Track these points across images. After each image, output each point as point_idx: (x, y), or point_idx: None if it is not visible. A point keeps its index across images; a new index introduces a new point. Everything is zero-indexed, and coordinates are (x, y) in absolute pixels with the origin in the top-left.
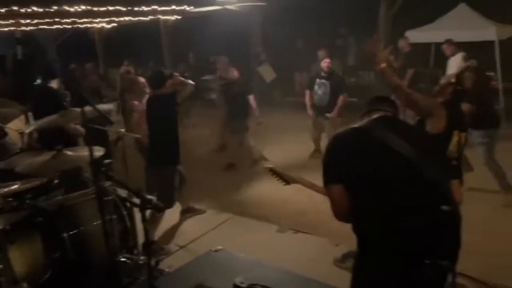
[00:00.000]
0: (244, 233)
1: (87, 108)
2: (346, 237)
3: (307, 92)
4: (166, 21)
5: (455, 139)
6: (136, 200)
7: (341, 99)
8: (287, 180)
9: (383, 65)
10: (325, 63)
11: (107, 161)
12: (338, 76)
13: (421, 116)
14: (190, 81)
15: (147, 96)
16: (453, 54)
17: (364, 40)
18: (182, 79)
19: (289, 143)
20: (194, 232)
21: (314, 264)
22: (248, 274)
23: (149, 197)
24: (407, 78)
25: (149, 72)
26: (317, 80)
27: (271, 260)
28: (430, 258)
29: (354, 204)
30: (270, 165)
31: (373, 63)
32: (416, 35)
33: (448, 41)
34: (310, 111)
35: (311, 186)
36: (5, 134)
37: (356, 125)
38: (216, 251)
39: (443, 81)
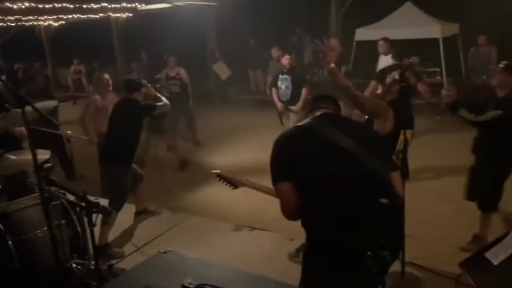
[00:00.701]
0: (200, 233)
1: (28, 109)
2: (301, 232)
3: (273, 90)
4: (117, 18)
5: (401, 138)
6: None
7: (303, 92)
8: (235, 184)
9: (332, 65)
10: (285, 59)
11: (47, 165)
12: (299, 71)
13: (369, 117)
14: (165, 100)
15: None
16: (387, 53)
17: (317, 38)
18: (157, 94)
19: (246, 141)
20: (149, 234)
21: (271, 259)
22: (198, 275)
23: (95, 200)
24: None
25: (96, 72)
26: (280, 76)
27: (228, 259)
28: (372, 250)
29: (302, 201)
30: (217, 171)
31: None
32: (365, 33)
33: (385, 39)
34: (278, 105)
35: (259, 188)
36: None
37: (299, 124)
38: (165, 252)
39: (388, 80)
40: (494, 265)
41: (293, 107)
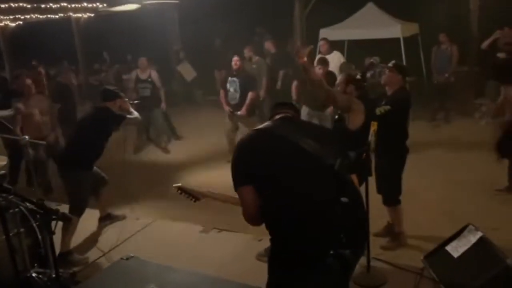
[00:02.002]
0: (167, 237)
1: None
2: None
3: (222, 91)
4: (78, 19)
5: (372, 129)
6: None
7: (249, 96)
8: (196, 196)
9: (305, 59)
10: (233, 61)
11: (1, 172)
12: (246, 74)
13: (341, 111)
14: (137, 114)
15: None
16: (328, 52)
17: (282, 38)
18: (130, 108)
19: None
20: (114, 239)
21: (239, 260)
22: (160, 281)
23: (54, 207)
24: (279, 78)
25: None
26: (229, 78)
27: (196, 262)
28: (334, 249)
29: (264, 203)
30: (178, 184)
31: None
32: (329, 33)
33: (324, 39)
34: (226, 108)
35: (221, 198)
36: None
37: (259, 127)
38: (127, 259)
39: (340, 79)
40: (454, 258)
41: (239, 112)
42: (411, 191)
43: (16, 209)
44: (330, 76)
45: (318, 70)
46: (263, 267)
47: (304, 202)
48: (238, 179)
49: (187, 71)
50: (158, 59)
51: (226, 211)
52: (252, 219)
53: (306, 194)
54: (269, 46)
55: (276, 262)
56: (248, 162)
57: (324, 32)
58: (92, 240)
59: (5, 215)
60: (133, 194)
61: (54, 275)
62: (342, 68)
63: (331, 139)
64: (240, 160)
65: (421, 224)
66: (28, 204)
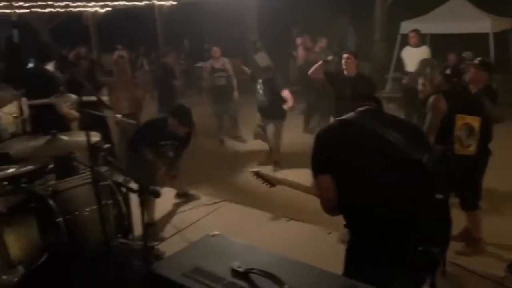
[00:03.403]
0: (238, 220)
1: (84, 94)
2: (339, 225)
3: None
4: (161, 6)
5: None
6: (134, 185)
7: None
8: (272, 182)
9: None
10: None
11: (106, 146)
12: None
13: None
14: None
15: None
16: (417, 45)
17: (362, 30)
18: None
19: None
20: (188, 218)
21: (307, 251)
22: (245, 259)
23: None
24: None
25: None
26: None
27: (264, 247)
28: (423, 245)
29: (345, 194)
30: (254, 169)
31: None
32: (411, 26)
33: (415, 31)
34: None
35: (296, 186)
36: None
37: (342, 117)
38: (213, 236)
39: (421, 80)
40: None
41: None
42: (491, 195)
43: (106, 182)
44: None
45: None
46: (331, 260)
47: (393, 196)
48: (318, 167)
49: (263, 61)
50: (234, 49)
51: (297, 202)
52: (329, 208)
53: (391, 186)
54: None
55: (356, 254)
56: (329, 151)
57: (406, 25)
58: (167, 218)
59: (99, 187)
60: (209, 176)
61: (136, 247)
62: (422, 64)
63: (417, 133)
64: (321, 149)
65: (502, 231)
66: (120, 177)
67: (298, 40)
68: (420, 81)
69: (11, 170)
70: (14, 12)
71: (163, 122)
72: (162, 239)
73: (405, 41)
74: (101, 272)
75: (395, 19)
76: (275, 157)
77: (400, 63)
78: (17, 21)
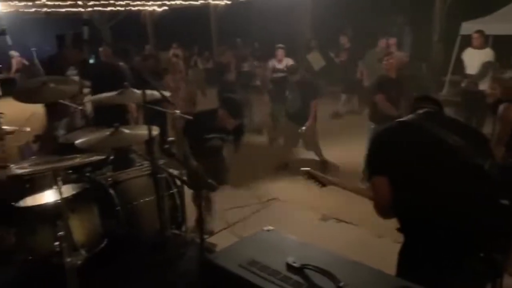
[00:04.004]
0: (286, 219)
1: (148, 90)
2: (390, 229)
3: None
4: (216, 6)
5: None
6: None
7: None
8: (323, 182)
9: None
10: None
11: (170, 139)
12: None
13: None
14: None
15: None
16: (481, 47)
17: (420, 30)
18: None
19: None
20: (238, 214)
21: (356, 254)
22: (300, 255)
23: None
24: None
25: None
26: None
27: None
28: (485, 252)
29: (401, 197)
30: (306, 168)
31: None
32: (473, 27)
33: (480, 32)
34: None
35: (349, 188)
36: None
37: (401, 119)
38: (268, 230)
39: (490, 83)
40: None
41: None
42: None
43: (163, 175)
44: None
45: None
46: (381, 263)
47: (449, 199)
48: (374, 168)
49: (316, 60)
50: (287, 48)
51: (347, 204)
52: (383, 211)
53: (451, 191)
54: (344, 41)
55: (412, 256)
56: (386, 152)
57: (467, 26)
58: (218, 212)
59: (158, 178)
60: (260, 175)
61: (189, 238)
62: (485, 66)
63: (478, 137)
64: (378, 150)
65: None
66: (176, 170)
67: (383, 43)
68: (489, 84)
69: (77, 159)
70: (85, 10)
71: (212, 114)
72: (212, 233)
73: (465, 43)
74: (155, 260)
75: (455, 20)
76: (321, 159)
77: (459, 65)
78: (87, 19)
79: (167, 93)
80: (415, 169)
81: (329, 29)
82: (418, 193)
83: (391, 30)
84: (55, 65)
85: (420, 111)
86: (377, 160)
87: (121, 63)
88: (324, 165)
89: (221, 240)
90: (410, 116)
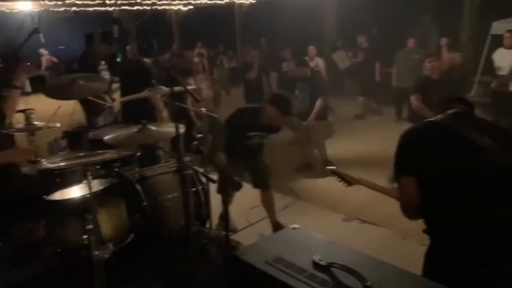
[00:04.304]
0: (309, 218)
1: (176, 88)
2: (416, 231)
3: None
4: (241, 5)
5: None
6: (214, 177)
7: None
8: (349, 182)
9: None
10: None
11: (198, 135)
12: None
13: None
14: None
15: None
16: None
17: (447, 30)
18: None
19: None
20: (261, 212)
21: (381, 255)
22: (326, 253)
23: (231, 175)
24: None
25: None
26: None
27: None
28: None
29: (429, 199)
30: (332, 167)
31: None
32: (504, 27)
33: (511, 31)
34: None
35: (375, 188)
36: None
37: (430, 119)
38: (294, 228)
39: None
40: None
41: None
42: None
43: (189, 171)
44: None
45: None
46: (406, 265)
47: (478, 201)
48: (401, 168)
49: (342, 60)
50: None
51: (372, 205)
52: (410, 212)
53: (480, 193)
54: (361, 40)
55: (439, 259)
56: (414, 152)
57: (498, 25)
58: (241, 210)
59: (184, 175)
60: (284, 175)
61: (213, 235)
62: None
63: (508, 138)
64: (405, 149)
65: None
66: (201, 168)
67: (411, 42)
68: None
69: (106, 155)
70: (113, 9)
71: (255, 111)
72: (235, 231)
73: (495, 42)
74: (179, 256)
75: (485, 19)
76: (323, 158)
77: (489, 66)
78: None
79: (194, 90)
80: (443, 170)
81: (355, 28)
82: (446, 194)
83: (417, 30)
84: (86, 61)
85: (450, 112)
86: (405, 160)
87: (146, 60)
88: (326, 165)
89: (243, 239)
90: (439, 116)
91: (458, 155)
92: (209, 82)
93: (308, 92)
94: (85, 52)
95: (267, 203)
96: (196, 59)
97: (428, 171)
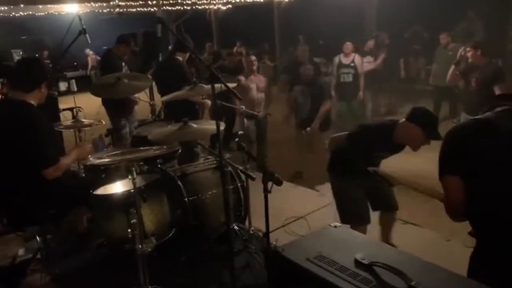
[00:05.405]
0: None
1: (217, 85)
2: (460, 232)
3: None
4: (280, 3)
5: None
6: (252, 174)
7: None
8: (390, 182)
9: None
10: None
11: (240, 132)
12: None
13: None
14: None
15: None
16: None
17: (493, 25)
18: None
19: None
20: (296, 211)
21: (422, 256)
22: (368, 252)
23: (271, 171)
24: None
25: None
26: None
27: None
28: None
29: (476, 200)
30: (374, 168)
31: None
32: None
33: None
34: None
35: (417, 188)
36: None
37: (478, 117)
38: (335, 227)
39: None
40: None
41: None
42: None
43: (229, 169)
44: None
45: None
46: (447, 267)
47: None
48: (447, 166)
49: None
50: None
51: (413, 205)
52: (456, 213)
53: None
54: (383, 38)
55: (485, 262)
56: (460, 150)
57: None
58: (277, 209)
59: (224, 172)
60: (322, 174)
61: (252, 232)
62: None
63: None
64: (451, 147)
65: None
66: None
67: (444, 38)
68: None
69: (150, 152)
70: (155, 10)
71: (389, 128)
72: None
73: None
74: (219, 251)
75: None
76: None
77: None
78: (161, 18)
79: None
80: (494, 168)
81: (395, 24)
82: (496, 194)
83: (461, 25)
84: (109, 61)
85: (499, 109)
86: (450, 158)
87: (179, 58)
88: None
89: (279, 237)
90: (487, 114)
91: (506, 154)
92: (261, 82)
93: (309, 96)
94: (106, 53)
95: (388, 222)
96: (253, 57)
97: (477, 170)
